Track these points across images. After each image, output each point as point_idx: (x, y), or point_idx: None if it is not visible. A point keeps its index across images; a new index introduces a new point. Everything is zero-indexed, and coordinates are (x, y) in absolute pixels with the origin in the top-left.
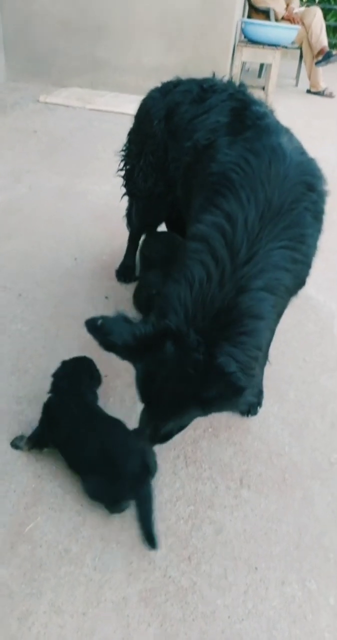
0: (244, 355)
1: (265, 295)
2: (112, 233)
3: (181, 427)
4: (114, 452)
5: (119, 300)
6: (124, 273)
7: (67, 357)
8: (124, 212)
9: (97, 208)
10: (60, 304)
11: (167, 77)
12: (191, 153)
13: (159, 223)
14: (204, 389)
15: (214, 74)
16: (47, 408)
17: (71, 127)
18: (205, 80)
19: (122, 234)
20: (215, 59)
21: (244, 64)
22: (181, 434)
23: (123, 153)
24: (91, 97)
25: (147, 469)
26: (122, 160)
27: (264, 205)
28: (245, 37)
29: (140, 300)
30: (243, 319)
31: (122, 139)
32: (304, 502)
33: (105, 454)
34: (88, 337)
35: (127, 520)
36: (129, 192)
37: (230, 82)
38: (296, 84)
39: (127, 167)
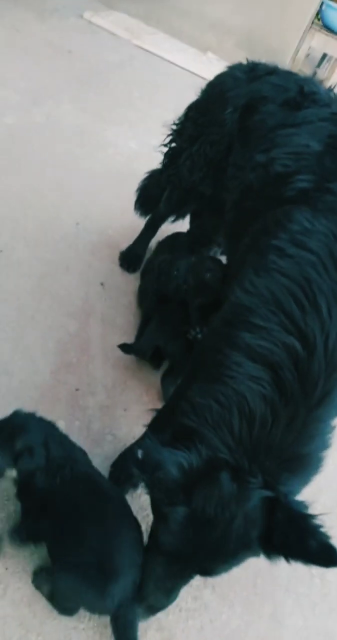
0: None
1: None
2: (127, 204)
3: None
4: (115, 557)
5: (115, 293)
6: (129, 260)
7: (37, 352)
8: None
9: (116, 167)
10: (47, 276)
11: (227, 37)
12: (259, 172)
13: (186, 215)
14: (284, 538)
15: (315, 73)
16: (32, 492)
17: (111, 60)
18: (306, 80)
19: None
20: (283, 34)
21: (309, 48)
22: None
23: (174, 127)
24: (140, 31)
25: (137, 590)
26: (169, 135)
27: None
28: (321, 21)
29: (147, 300)
30: (314, 463)
31: (166, 93)
32: (271, 622)
33: (104, 555)
34: (71, 330)
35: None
36: (166, 178)
37: (336, 97)
38: None
39: (173, 145)
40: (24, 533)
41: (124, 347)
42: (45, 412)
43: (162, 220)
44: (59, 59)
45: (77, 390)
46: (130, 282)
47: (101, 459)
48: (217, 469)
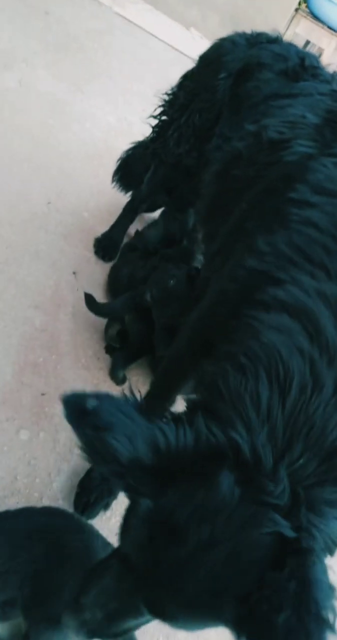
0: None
1: None
2: (104, 184)
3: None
4: None
5: (89, 283)
6: (105, 247)
7: None
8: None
9: (93, 142)
10: (11, 263)
11: (212, 14)
12: (249, 141)
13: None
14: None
15: (320, 55)
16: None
17: (90, 27)
18: (309, 55)
19: (115, 190)
20: (270, 16)
21: (295, 35)
22: None
23: (166, 98)
24: None
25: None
26: (161, 106)
27: None
28: (307, 7)
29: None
30: None
31: (147, 66)
32: None
33: None
34: (38, 325)
35: None
36: (152, 152)
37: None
38: None
39: (164, 117)
40: None
41: (90, 300)
42: (5, 420)
43: (143, 202)
44: (35, 20)
45: (43, 394)
46: (105, 272)
47: (68, 475)
48: (219, 461)
